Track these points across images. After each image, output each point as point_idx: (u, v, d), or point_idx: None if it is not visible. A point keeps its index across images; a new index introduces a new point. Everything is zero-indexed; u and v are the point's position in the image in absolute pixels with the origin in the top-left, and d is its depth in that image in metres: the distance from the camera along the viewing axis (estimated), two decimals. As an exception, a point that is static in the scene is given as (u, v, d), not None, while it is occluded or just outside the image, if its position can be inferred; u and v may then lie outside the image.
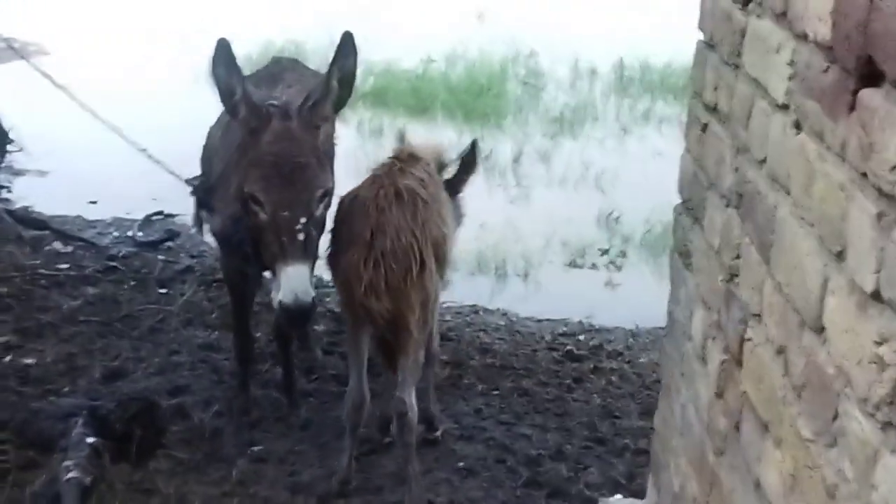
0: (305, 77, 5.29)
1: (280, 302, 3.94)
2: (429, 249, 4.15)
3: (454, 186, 4.79)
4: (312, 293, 3.96)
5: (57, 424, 4.54)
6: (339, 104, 4.21)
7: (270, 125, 4.04)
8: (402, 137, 4.83)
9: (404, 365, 4.25)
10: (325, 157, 4.23)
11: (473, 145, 4.92)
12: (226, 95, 4.04)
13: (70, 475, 4.14)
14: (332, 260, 4.28)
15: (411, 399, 4.27)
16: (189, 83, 10.77)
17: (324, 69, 4.61)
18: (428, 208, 4.22)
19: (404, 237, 4.08)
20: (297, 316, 4.00)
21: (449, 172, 4.78)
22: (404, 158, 4.43)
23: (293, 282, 3.91)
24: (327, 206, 4.20)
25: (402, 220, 4.10)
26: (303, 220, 3.97)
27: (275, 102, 4.16)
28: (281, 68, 5.34)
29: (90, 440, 4.37)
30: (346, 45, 4.11)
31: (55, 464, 4.27)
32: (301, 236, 3.95)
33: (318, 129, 4.12)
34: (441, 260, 4.35)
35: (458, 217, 4.87)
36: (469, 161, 4.87)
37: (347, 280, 4.13)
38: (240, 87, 4.05)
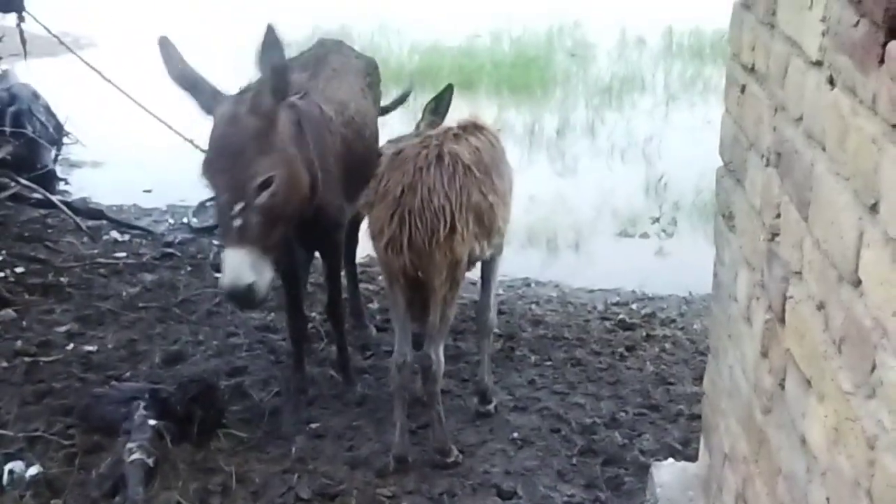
0: (349, 59, 5.38)
1: (220, 285, 4.01)
2: (462, 214, 4.19)
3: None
4: (249, 278, 3.93)
5: (120, 408, 4.64)
6: (278, 94, 4.07)
7: (219, 111, 4.07)
8: (410, 85, 5.32)
9: (432, 322, 4.34)
10: (274, 144, 4.10)
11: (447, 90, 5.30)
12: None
13: (134, 457, 4.25)
14: (366, 211, 4.39)
15: (437, 354, 4.37)
16: (237, 70, 10.87)
17: (369, 52, 4.68)
18: (470, 175, 4.26)
19: (437, 199, 4.13)
20: (235, 299, 4.08)
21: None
22: (466, 126, 4.50)
23: (227, 266, 3.97)
24: (277, 195, 4.05)
25: (437, 182, 4.15)
26: (237, 206, 3.94)
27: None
28: (326, 51, 5.37)
29: (152, 422, 4.48)
30: (270, 38, 3.99)
31: (119, 446, 4.37)
32: (237, 222, 3.94)
33: (265, 116, 4.04)
34: (487, 227, 4.39)
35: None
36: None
37: (373, 234, 4.27)
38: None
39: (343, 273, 5.43)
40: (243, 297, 4.01)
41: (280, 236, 4.21)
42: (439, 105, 5.25)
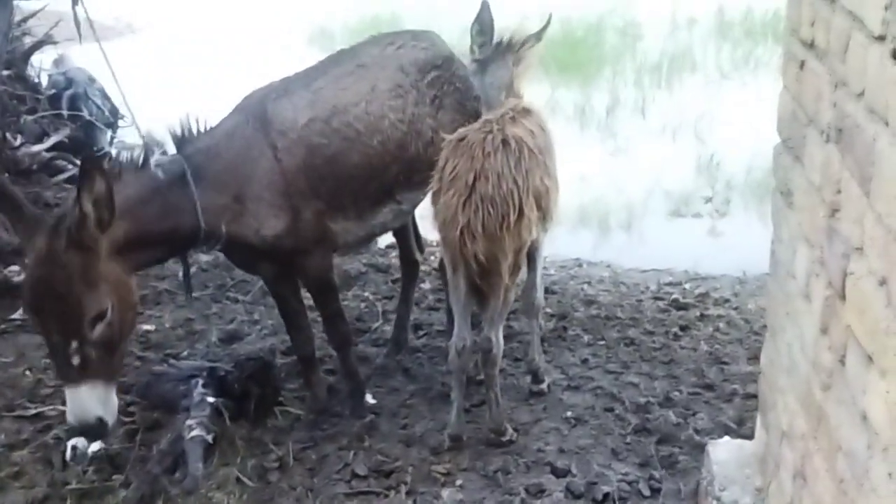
0: (398, 52, 4.83)
1: (67, 421, 3.88)
2: (529, 199, 4.19)
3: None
4: (96, 413, 3.80)
5: (178, 386, 4.74)
6: (103, 225, 3.73)
7: (37, 242, 3.72)
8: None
9: (494, 307, 4.34)
10: (101, 273, 3.76)
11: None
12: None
13: (193, 433, 4.35)
14: (435, 198, 4.32)
15: (498, 338, 4.39)
16: (297, 51, 10.94)
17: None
18: (533, 158, 4.25)
19: (505, 184, 4.11)
20: (86, 435, 3.99)
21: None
22: (518, 109, 4.49)
23: (73, 405, 3.81)
24: (113, 322, 3.80)
25: (505, 167, 4.13)
26: (73, 344, 3.72)
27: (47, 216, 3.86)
28: (369, 42, 4.95)
29: (211, 400, 4.58)
30: (91, 168, 3.64)
31: (179, 423, 4.47)
32: (76, 359, 3.73)
33: (89, 248, 3.70)
34: (544, 211, 4.39)
35: None
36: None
37: (445, 221, 4.21)
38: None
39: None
40: (93, 432, 3.93)
41: (122, 357, 4.10)
42: (483, 26, 4.96)
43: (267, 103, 4.43)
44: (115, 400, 3.93)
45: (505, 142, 4.19)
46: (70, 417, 3.83)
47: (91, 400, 3.80)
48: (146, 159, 4.15)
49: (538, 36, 4.97)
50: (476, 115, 4.76)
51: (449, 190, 4.19)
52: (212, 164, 4.26)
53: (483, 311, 4.45)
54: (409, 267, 5.62)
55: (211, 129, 4.38)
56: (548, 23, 5.05)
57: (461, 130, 4.37)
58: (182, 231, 4.17)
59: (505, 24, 4.95)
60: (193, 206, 4.15)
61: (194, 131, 4.32)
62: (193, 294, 5.63)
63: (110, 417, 3.88)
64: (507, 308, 4.49)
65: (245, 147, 4.33)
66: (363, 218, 4.68)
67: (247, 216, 4.30)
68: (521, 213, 4.14)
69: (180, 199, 4.15)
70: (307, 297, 4.86)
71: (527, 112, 4.54)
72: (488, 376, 4.47)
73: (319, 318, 4.97)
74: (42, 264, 3.70)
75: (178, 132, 4.30)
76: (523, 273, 4.84)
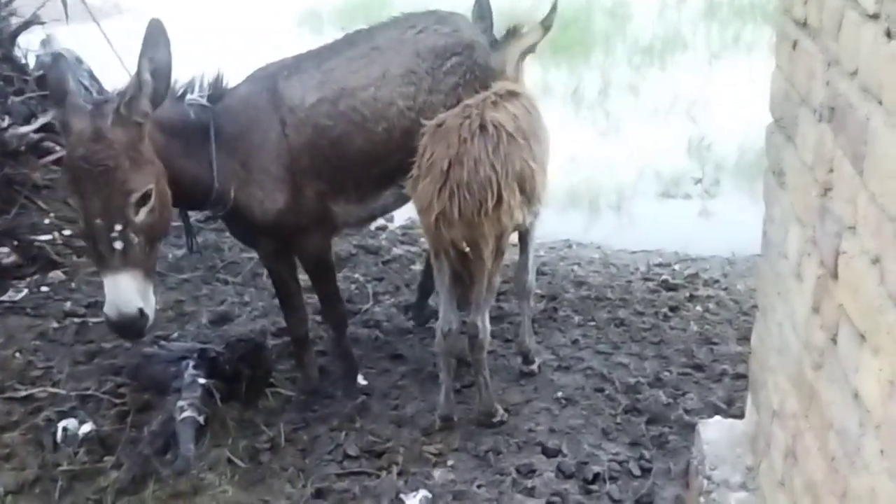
0: (419, 36, 4.71)
1: (105, 314, 3.79)
2: (509, 183, 4.16)
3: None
4: (138, 304, 3.74)
5: (169, 368, 4.73)
6: (157, 99, 3.78)
7: (77, 124, 3.73)
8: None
9: (478, 292, 4.33)
10: (147, 155, 3.80)
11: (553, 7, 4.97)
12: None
13: (185, 414, 4.35)
14: (413, 185, 4.29)
15: (484, 323, 4.38)
16: (286, 32, 10.87)
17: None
18: (513, 142, 4.22)
19: (482, 170, 4.09)
20: (123, 329, 3.84)
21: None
22: (502, 92, 4.46)
23: (112, 294, 3.72)
24: (155, 209, 3.81)
25: (482, 153, 4.11)
26: (118, 227, 3.69)
27: (99, 98, 3.87)
28: (387, 23, 4.86)
29: (202, 381, 4.57)
30: (155, 34, 3.73)
31: (170, 404, 4.46)
32: (119, 244, 3.69)
33: (136, 126, 3.75)
34: (528, 195, 4.37)
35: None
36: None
37: (422, 208, 4.21)
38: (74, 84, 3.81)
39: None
40: (132, 326, 3.80)
41: (157, 257, 4.03)
42: (482, 10, 5.04)
43: (279, 79, 4.43)
44: (153, 297, 3.89)
45: (483, 127, 4.16)
46: (109, 310, 3.74)
47: (132, 290, 3.74)
48: (184, 94, 4.18)
49: (546, 24, 4.93)
50: None
51: (426, 177, 4.17)
52: (228, 125, 4.26)
53: (468, 296, 4.44)
54: None
55: (230, 90, 4.38)
56: (553, 8, 4.97)
57: (440, 116, 4.34)
58: (197, 181, 4.15)
59: (509, 8, 4.93)
60: (210, 161, 4.16)
61: (221, 87, 4.34)
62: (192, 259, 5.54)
63: (150, 312, 3.83)
64: (493, 292, 4.47)
65: (257, 117, 4.34)
66: (364, 201, 4.68)
67: (253, 186, 4.30)
68: (500, 199, 4.12)
69: (200, 148, 4.16)
70: (303, 279, 4.85)
71: (512, 95, 4.49)
72: (476, 361, 4.48)
73: (312, 299, 4.96)
74: (87, 142, 3.67)
75: (212, 83, 4.30)
76: (514, 255, 4.84)
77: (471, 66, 4.76)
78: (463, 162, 4.09)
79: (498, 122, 4.21)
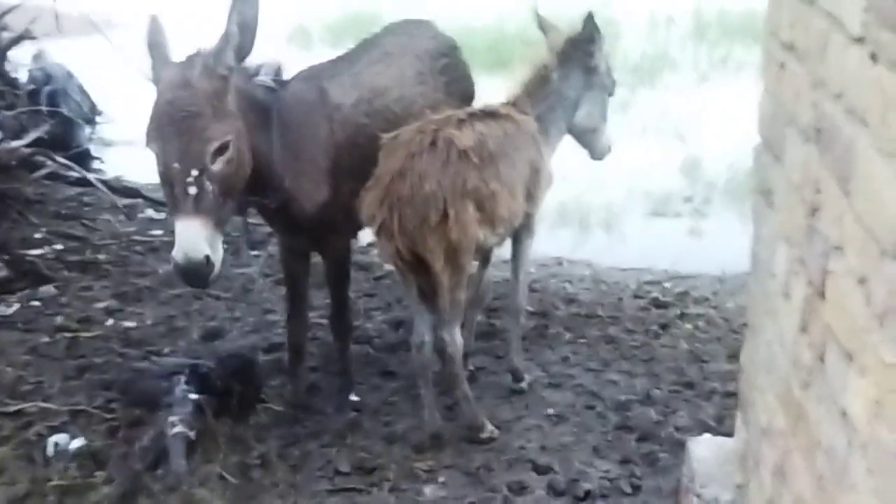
0: (414, 41, 5.02)
1: (172, 258, 3.81)
2: (458, 201, 4.16)
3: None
4: (205, 250, 3.74)
5: (160, 383, 4.72)
6: (242, 52, 3.91)
7: (167, 74, 3.87)
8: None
9: (442, 305, 4.34)
10: (229, 107, 3.91)
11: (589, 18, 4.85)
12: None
13: (176, 430, 4.35)
14: (362, 196, 4.29)
15: (452, 335, 4.39)
16: (276, 49, 10.89)
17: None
18: (466, 161, 4.21)
19: (427, 185, 4.12)
20: (188, 274, 3.80)
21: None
22: (476, 112, 4.49)
23: (182, 238, 3.76)
24: (232, 161, 3.88)
25: (429, 168, 4.14)
26: (194, 172, 3.74)
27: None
28: (387, 32, 5.13)
29: (193, 396, 4.56)
30: None
31: (161, 420, 4.46)
32: (193, 189, 3.74)
33: (221, 78, 3.86)
34: (489, 215, 4.34)
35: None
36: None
37: (365, 219, 4.29)
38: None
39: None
40: (197, 273, 3.78)
41: (229, 213, 4.05)
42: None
43: (324, 79, 4.56)
44: (221, 249, 3.89)
45: (433, 143, 4.20)
46: (177, 254, 3.75)
47: (201, 237, 3.75)
48: (256, 73, 4.25)
49: (589, 37, 4.86)
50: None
51: (372, 189, 4.23)
52: (285, 114, 4.32)
53: (433, 311, 4.46)
54: None
55: (287, 82, 4.44)
56: (589, 22, 4.85)
57: (398, 130, 4.39)
58: (261, 160, 4.15)
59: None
60: (271, 144, 4.22)
61: (282, 77, 4.41)
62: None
63: (217, 262, 3.82)
64: (458, 307, 4.42)
65: (310, 111, 4.45)
66: None
67: (303, 177, 4.37)
68: (444, 215, 4.13)
69: (264, 129, 4.21)
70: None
71: (491, 115, 4.50)
72: (451, 375, 4.50)
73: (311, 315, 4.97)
74: (173, 89, 3.78)
75: (278, 70, 4.38)
76: (505, 269, 4.83)
77: (456, 66, 5.10)
78: (406, 176, 4.14)
79: (449, 139, 4.22)
